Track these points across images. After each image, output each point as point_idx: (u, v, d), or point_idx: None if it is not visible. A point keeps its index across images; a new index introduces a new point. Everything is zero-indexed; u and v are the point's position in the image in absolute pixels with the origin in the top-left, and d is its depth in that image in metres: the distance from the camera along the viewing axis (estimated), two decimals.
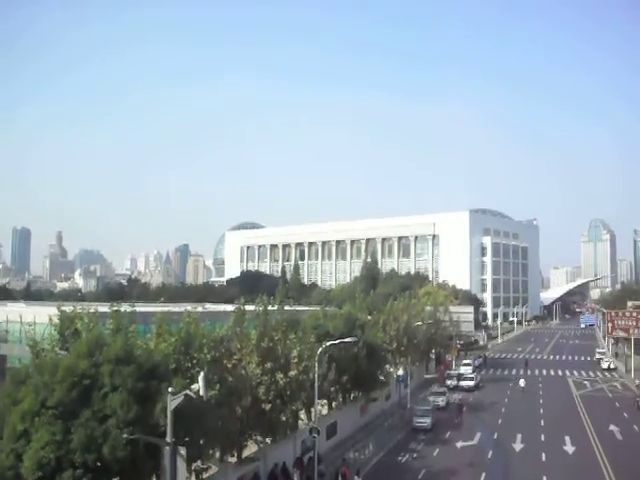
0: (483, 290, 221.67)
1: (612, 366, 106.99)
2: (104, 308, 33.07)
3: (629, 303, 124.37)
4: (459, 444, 53.55)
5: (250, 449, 39.24)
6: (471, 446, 53.21)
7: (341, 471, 40.86)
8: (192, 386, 24.64)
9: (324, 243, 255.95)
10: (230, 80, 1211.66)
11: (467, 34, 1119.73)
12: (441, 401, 69.83)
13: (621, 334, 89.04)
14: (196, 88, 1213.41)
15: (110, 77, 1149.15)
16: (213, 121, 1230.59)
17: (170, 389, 23.67)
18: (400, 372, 71.72)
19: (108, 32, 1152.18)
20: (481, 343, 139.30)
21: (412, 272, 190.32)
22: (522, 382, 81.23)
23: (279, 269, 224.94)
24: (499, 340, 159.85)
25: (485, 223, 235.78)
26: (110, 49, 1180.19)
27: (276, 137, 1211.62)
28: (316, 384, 40.35)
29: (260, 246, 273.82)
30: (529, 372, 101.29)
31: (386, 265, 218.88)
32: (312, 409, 45.31)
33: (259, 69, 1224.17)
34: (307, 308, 69.20)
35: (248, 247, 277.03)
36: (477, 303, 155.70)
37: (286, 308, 43.96)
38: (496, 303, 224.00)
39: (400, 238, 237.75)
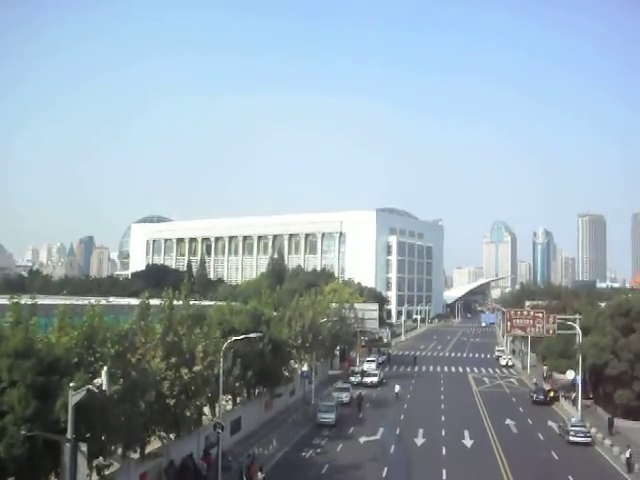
0: (388, 288, 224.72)
1: (510, 363, 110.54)
2: (3, 300, 31.97)
3: (527, 303, 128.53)
4: (362, 439, 54.22)
5: (153, 445, 38.70)
6: (374, 441, 53.96)
7: (245, 466, 40.75)
8: (95, 381, 24.09)
9: (231, 238, 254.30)
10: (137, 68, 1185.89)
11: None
12: (345, 397, 70.51)
13: (519, 332, 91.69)
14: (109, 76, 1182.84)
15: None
16: (121, 111, 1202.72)
17: (72, 384, 23.11)
18: (305, 368, 72.00)
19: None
20: (385, 340, 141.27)
21: (318, 269, 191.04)
22: (397, 388, 76.55)
23: (185, 264, 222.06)
24: (403, 337, 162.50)
25: (391, 222, 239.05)
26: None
27: (183, 130, 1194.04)
28: (221, 379, 40.15)
29: (166, 240, 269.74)
30: (424, 368, 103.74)
31: (293, 261, 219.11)
32: (216, 404, 45.06)
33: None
34: (213, 303, 68.59)
35: (154, 240, 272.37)
36: (382, 301, 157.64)
37: (191, 303, 43.54)
38: (400, 301, 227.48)
39: (307, 235, 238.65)
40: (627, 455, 47.56)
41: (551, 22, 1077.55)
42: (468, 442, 53.92)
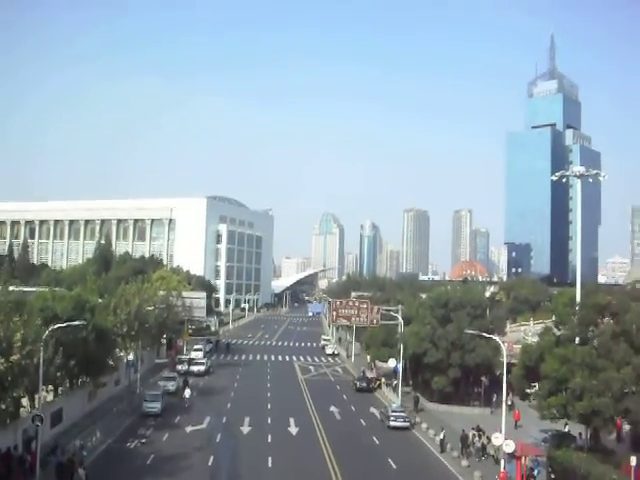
0: (217, 276, 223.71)
1: (335, 352, 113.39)
2: None
3: (353, 293, 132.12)
4: (188, 428, 53.81)
5: None
6: (200, 430, 53.70)
7: (65, 460, 39.20)
8: None
9: (57, 222, 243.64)
10: None
11: None
12: (171, 386, 69.66)
13: (344, 322, 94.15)
14: None
15: None
16: None
17: None
18: (130, 357, 70.40)
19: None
20: (213, 329, 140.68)
21: (147, 256, 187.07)
22: (187, 392, 66.32)
23: (6, 247, 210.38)
24: (230, 326, 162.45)
25: (222, 210, 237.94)
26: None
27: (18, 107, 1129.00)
28: (41, 369, 38.40)
29: None
30: (250, 357, 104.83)
31: (121, 248, 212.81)
32: (36, 395, 43.11)
33: None
34: (35, 289, 65.60)
35: None
36: (210, 289, 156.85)
37: (11, 289, 41.41)
38: (229, 290, 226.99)
39: (136, 221, 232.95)
40: (441, 437, 50.39)
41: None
42: (294, 429, 54.81)
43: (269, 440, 50.65)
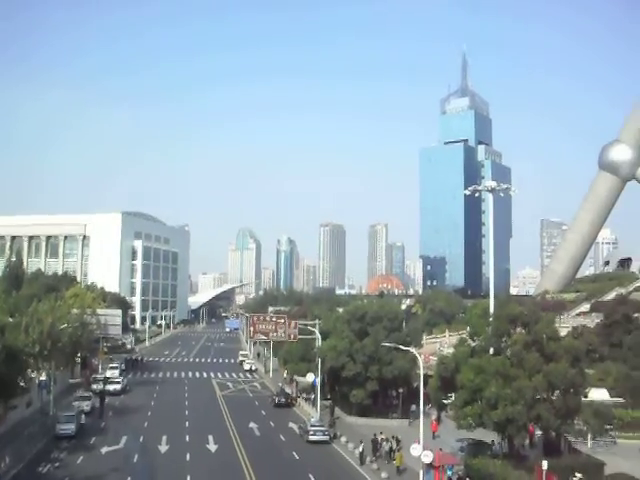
0: (132, 293, 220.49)
1: (253, 367, 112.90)
2: None
3: (270, 308, 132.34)
4: (104, 449, 52.54)
5: None
6: (117, 450, 52.52)
7: None
8: None
9: None
10: None
11: None
12: (86, 406, 68.00)
13: (262, 337, 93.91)
14: None
15: None
16: None
17: None
18: (43, 377, 68.55)
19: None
20: (129, 346, 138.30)
21: (60, 273, 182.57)
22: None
23: None
24: (147, 343, 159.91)
25: (137, 226, 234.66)
26: None
27: None
28: None
29: None
30: (168, 374, 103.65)
31: (33, 265, 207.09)
32: None
33: None
34: None
35: None
36: (126, 306, 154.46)
37: None
38: (145, 306, 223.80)
39: (49, 237, 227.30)
40: (360, 449, 50.75)
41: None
42: (212, 447, 54.27)
43: (187, 458, 49.94)
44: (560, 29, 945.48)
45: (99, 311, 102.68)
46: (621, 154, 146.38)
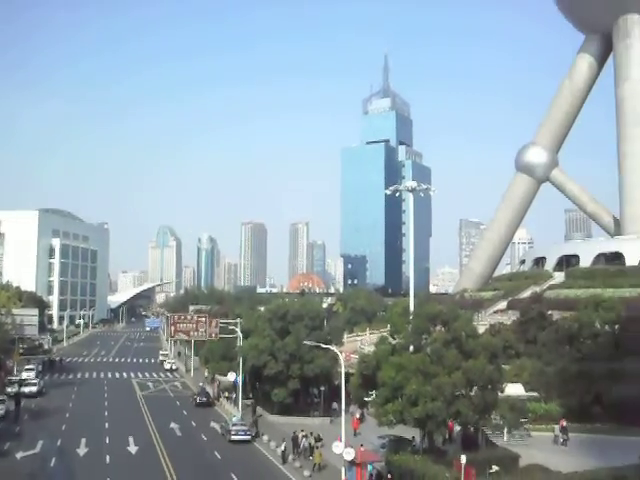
0: (50, 292, 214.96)
1: (174, 367, 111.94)
2: None
3: (191, 307, 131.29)
4: (19, 454, 50.82)
5: None
6: (33, 455, 51.02)
7: None
8: None
9: None
10: None
11: None
12: (0, 410, 66.11)
13: (182, 336, 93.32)
14: None
15: None
16: None
17: None
18: None
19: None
20: (46, 347, 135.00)
21: None
22: None
23: None
24: (65, 344, 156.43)
25: (55, 224, 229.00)
26: None
27: None
28: None
29: None
30: (87, 375, 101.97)
31: None
32: None
33: None
34: None
35: None
36: (43, 305, 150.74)
37: None
38: (63, 306, 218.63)
39: None
40: (282, 448, 50.91)
41: None
42: (133, 448, 53.51)
43: (107, 461, 49.04)
44: (481, 33, 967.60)
45: (14, 311, 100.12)
46: (536, 156, 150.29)
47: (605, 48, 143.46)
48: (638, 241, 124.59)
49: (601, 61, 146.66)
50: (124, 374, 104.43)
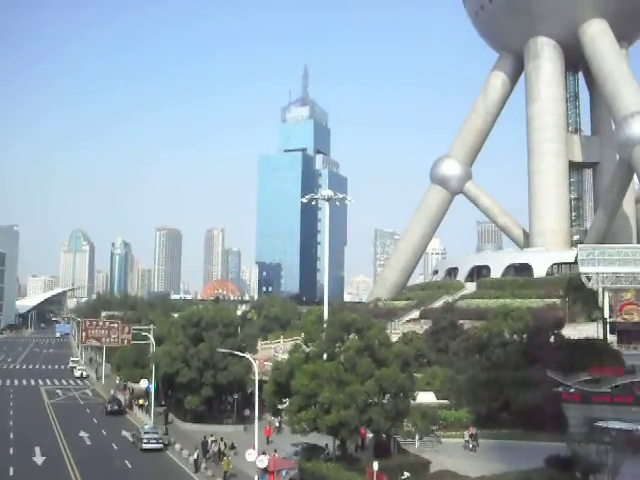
0: None
1: (85, 374, 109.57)
2: None
3: (103, 313, 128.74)
4: None
5: None
6: None
7: None
8: None
9: None
10: None
11: None
12: None
13: (94, 343, 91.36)
14: None
15: None
16: None
17: None
18: None
19: None
20: None
21: None
22: None
23: None
24: None
25: None
26: None
27: None
28: None
29: None
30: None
31: None
32: None
33: None
34: None
35: None
36: None
37: None
38: None
39: None
40: (195, 457, 50.39)
41: None
42: (39, 459, 51.86)
43: (11, 473, 47.06)
44: (401, 44, 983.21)
45: None
46: (451, 169, 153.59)
47: (518, 67, 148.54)
48: (545, 253, 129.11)
49: (514, 79, 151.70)
50: (32, 381, 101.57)
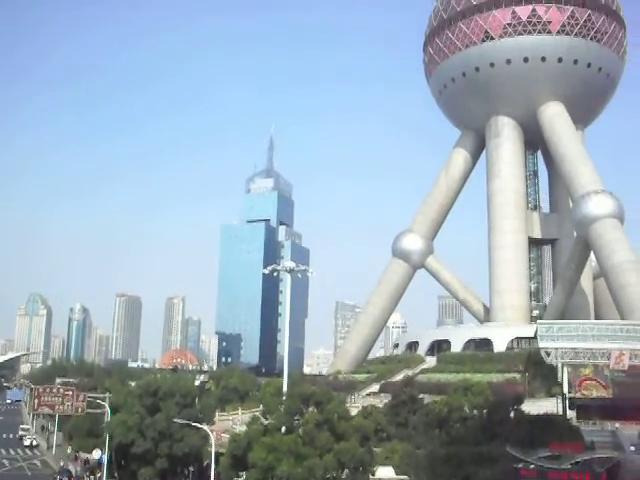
0: None
1: (35, 443, 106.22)
2: None
3: (58, 379, 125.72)
4: None
5: None
6: None
7: None
8: None
9: None
10: None
11: None
12: None
13: (47, 410, 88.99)
14: None
15: None
16: None
17: None
18: None
19: None
20: None
21: None
22: None
23: None
24: None
25: None
26: None
27: None
28: None
29: None
30: None
31: None
32: None
33: None
34: None
35: None
36: None
37: None
38: None
39: None
40: None
41: None
42: None
43: None
44: (368, 115, 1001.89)
45: None
46: (412, 243, 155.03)
47: (479, 144, 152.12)
48: (505, 328, 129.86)
49: (475, 156, 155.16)
50: None
